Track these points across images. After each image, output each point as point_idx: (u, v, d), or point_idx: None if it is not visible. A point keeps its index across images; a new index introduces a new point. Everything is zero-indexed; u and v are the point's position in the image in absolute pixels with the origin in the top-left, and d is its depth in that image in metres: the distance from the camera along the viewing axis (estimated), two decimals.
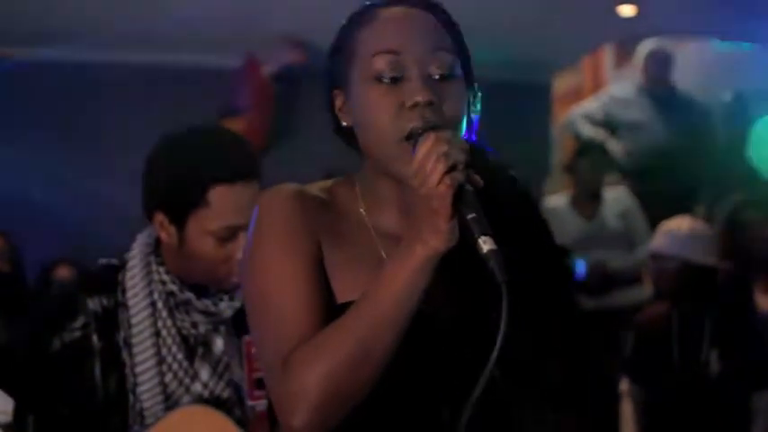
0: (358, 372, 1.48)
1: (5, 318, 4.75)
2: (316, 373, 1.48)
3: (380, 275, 1.49)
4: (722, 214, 5.21)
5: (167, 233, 2.42)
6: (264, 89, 7.07)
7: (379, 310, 1.48)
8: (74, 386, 2.41)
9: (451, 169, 1.44)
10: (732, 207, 5.16)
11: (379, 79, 1.57)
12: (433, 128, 1.50)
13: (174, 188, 2.38)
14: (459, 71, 1.60)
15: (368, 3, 1.66)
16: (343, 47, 1.65)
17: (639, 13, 6.32)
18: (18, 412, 2.40)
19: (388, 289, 1.47)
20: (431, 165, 1.44)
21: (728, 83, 6.89)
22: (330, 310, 1.57)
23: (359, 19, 1.65)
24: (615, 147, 6.33)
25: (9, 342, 2.48)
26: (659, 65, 6.50)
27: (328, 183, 1.73)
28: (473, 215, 1.44)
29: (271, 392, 1.57)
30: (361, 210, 1.68)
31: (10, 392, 2.38)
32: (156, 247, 2.48)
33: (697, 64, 7.03)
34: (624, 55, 7.35)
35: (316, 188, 1.70)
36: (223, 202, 2.35)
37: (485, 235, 1.43)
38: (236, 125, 6.09)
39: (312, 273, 1.58)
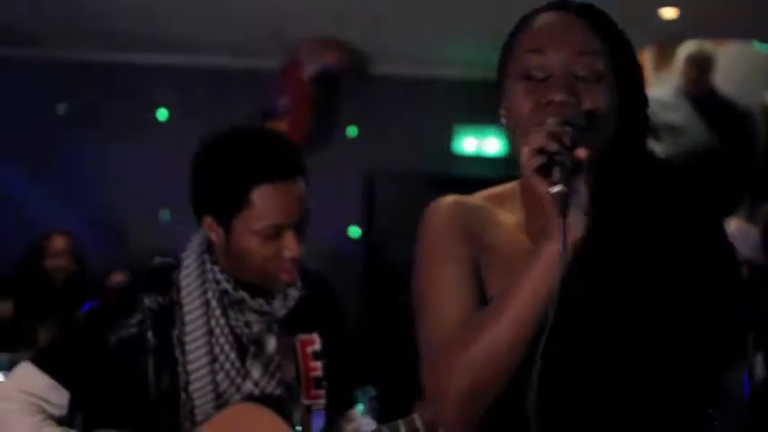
0: (498, 364, 1.56)
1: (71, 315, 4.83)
2: (461, 367, 1.57)
3: (517, 273, 1.56)
4: (763, 217, 5.18)
5: (216, 234, 2.45)
6: (303, 91, 7.09)
7: (514, 304, 1.55)
8: (127, 382, 2.44)
9: (550, 161, 1.49)
10: None
11: (527, 77, 1.64)
12: (564, 123, 1.55)
13: (218, 192, 2.41)
14: (606, 73, 1.63)
15: (533, 10, 1.73)
16: (505, 49, 1.73)
17: (680, 16, 6.28)
18: (74, 406, 2.43)
19: (520, 285, 1.54)
20: (525, 159, 1.51)
21: None
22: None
23: (521, 23, 1.72)
24: (655, 149, 6.30)
25: (66, 337, 2.50)
26: (700, 67, 6.47)
27: (498, 188, 1.82)
28: (561, 189, 1.48)
29: (425, 386, 1.66)
30: (516, 215, 1.75)
31: (67, 387, 2.41)
32: (210, 246, 2.51)
33: (738, 66, 6.98)
34: (665, 57, 7.32)
35: (481, 196, 1.79)
36: (266, 201, 2.37)
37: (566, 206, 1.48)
38: (275, 127, 6.11)
39: (466, 276, 1.68)
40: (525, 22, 1.70)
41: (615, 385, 1.61)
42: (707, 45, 6.55)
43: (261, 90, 6.98)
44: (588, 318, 1.62)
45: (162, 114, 7.22)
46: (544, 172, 1.49)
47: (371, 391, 5.45)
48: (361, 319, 6.77)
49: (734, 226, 4.45)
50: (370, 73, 7.25)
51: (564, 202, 1.47)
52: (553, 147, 1.50)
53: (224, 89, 7.02)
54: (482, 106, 7.22)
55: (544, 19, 1.68)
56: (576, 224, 1.50)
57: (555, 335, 1.56)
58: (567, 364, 1.63)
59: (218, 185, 2.41)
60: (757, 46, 7.06)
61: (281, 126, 6.42)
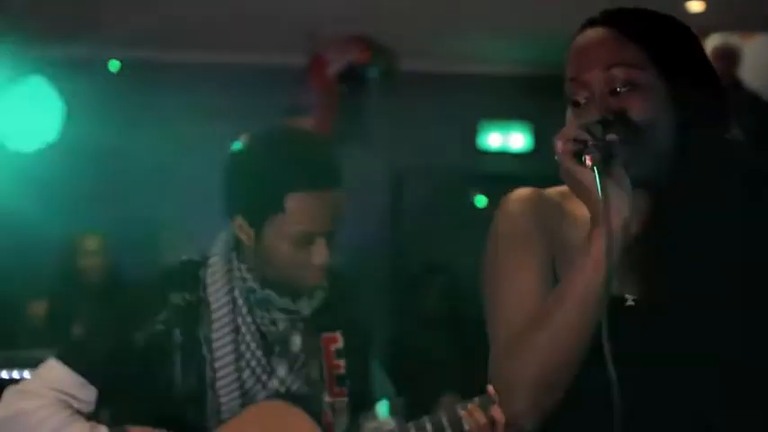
0: (565, 350, 1.58)
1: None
2: (529, 356, 1.59)
3: (575, 263, 1.59)
4: None
5: (246, 235, 2.45)
6: (329, 88, 7.10)
7: (572, 292, 1.57)
8: (154, 379, 2.45)
9: (579, 151, 1.53)
10: None
11: (574, 104, 1.67)
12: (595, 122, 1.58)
13: (252, 195, 2.40)
14: (643, 78, 1.63)
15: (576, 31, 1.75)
16: (562, 76, 1.74)
17: (707, 9, 6.25)
18: (101, 403, 2.44)
19: (581, 268, 1.57)
20: (560, 146, 1.55)
21: None
22: None
23: (569, 49, 1.73)
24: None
25: (94, 334, 2.51)
26: (726, 60, 6.43)
27: None
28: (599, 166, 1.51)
29: (494, 380, 1.68)
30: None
31: (95, 383, 2.42)
32: (237, 244, 2.51)
33: (764, 59, 6.93)
34: None
35: (557, 190, 1.79)
36: (300, 209, 2.36)
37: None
38: (301, 125, 6.12)
39: (539, 270, 1.70)
40: (570, 47, 1.72)
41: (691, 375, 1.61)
42: (733, 38, 6.52)
43: (288, 87, 6.99)
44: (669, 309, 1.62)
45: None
46: (579, 157, 1.53)
47: (393, 392, 5.45)
48: (388, 317, 6.77)
49: None
50: (396, 69, 7.24)
51: (603, 161, 1.51)
52: (585, 136, 1.53)
53: (251, 86, 7.02)
54: (507, 102, 7.26)
55: (577, 42, 1.69)
56: (622, 205, 1.53)
57: (631, 326, 1.59)
58: (642, 351, 1.63)
59: (254, 188, 2.40)
60: None
61: (308, 123, 6.42)
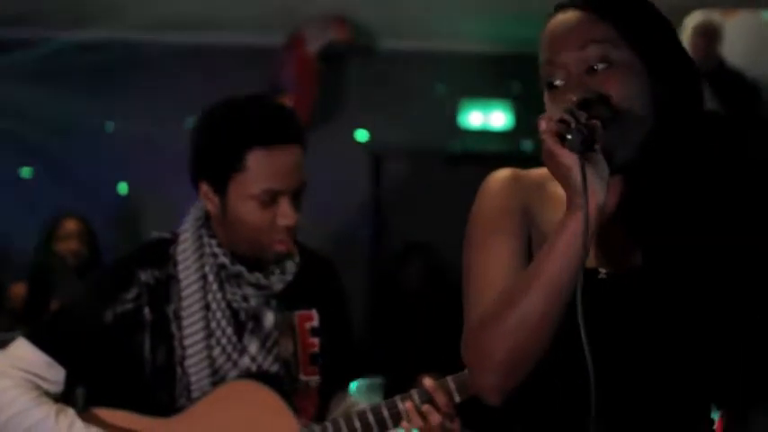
0: (532, 332, 1.58)
1: None
2: (497, 336, 1.59)
3: (548, 244, 1.59)
4: None
5: (212, 203, 2.44)
6: (309, 67, 7.07)
7: (545, 272, 1.57)
8: (124, 358, 2.44)
9: (563, 132, 1.52)
10: None
11: (550, 86, 1.67)
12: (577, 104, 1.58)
13: (214, 154, 2.41)
14: (619, 55, 1.63)
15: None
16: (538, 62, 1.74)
17: None
18: (69, 383, 2.42)
19: (549, 253, 1.57)
20: (544, 126, 1.55)
21: None
22: None
23: (542, 35, 1.73)
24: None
25: (62, 313, 2.49)
26: (707, 38, 6.43)
27: None
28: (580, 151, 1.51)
29: (464, 356, 1.68)
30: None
31: (62, 363, 2.40)
32: (207, 220, 2.50)
33: (746, 37, 6.94)
34: None
35: (539, 171, 1.78)
36: (261, 165, 2.37)
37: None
38: (281, 102, 6.10)
39: (516, 251, 1.70)
40: (543, 32, 1.71)
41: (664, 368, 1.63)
42: (714, 16, 6.51)
43: (267, 66, 6.96)
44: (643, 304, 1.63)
45: None
46: (562, 138, 1.52)
47: (380, 379, 5.47)
48: (368, 298, 6.76)
49: None
50: (375, 48, 7.22)
51: (583, 143, 1.51)
52: (568, 118, 1.53)
53: (230, 66, 6.99)
54: (487, 80, 7.24)
55: (550, 26, 1.69)
56: (597, 190, 1.53)
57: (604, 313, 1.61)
58: (613, 341, 1.64)
59: (214, 148, 2.41)
60: (766, 15, 7.02)
61: (287, 102, 6.40)
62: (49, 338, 2.42)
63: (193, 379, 2.43)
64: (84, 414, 2.42)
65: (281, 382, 2.47)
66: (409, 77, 7.14)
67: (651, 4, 1.71)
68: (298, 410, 2.46)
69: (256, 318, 2.49)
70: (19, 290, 5.93)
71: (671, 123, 1.64)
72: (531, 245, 1.72)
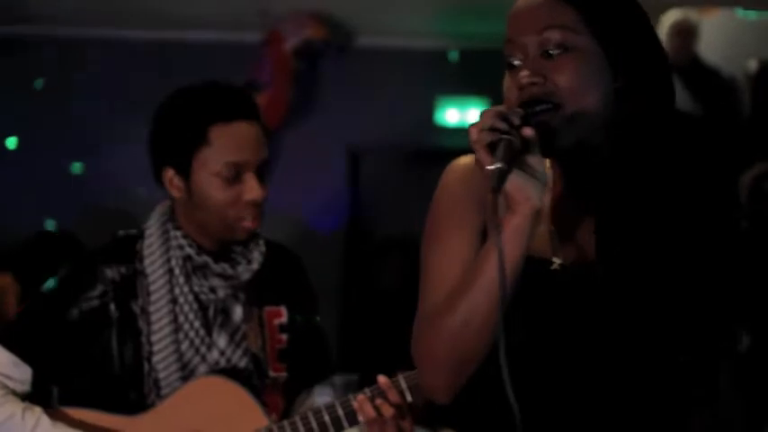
0: (475, 332, 1.57)
1: None
2: (441, 334, 1.59)
3: (483, 250, 1.59)
4: (745, 185, 5.17)
5: (177, 188, 2.44)
6: (285, 64, 7.05)
7: (485, 273, 1.55)
8: (91, 355, 2.42)
9: (498, 139, 1.50)
10: (755, 177, 5.13)
11: (510, 66, 1.65)
12: (526, 104, 1.58)
13: (176, 135, 2.42)
14: (578, 42, 1.62)
15: None
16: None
17: None
18: (37, 382, 2.41)
19: (488, 256, 1.55)
20: (474, 136, 1.53)
21: (754, 53, 6.82)
22: None
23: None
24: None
25: (27, 312, 2.48)
26: (683, 35, 6.44)
27: None
28: (499, 167, 1.49)
29: (412, 351, 1.67)
30: None
31: (29, 362, 2.39)
32: (172, 213, 2.50)
33: (722, 34, 6.96)
34: None
35: None
36: (223, 139, 2.40)
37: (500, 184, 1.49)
38: (257, 101, 6.08)
39: (471, 245, 1.67)
40: (510, 10, 1.70)
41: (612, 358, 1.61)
42: (691, 13, 6.52)
43: (244, 64, 6.94)
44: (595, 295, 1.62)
45: None
46: (492, 149, 1.50)
47: (355, 377, 5.44)
48: (344, 295, 6.75)
49: None
50: (351, 45, 7.21)
51: (499, 178, 1.49)
52: (501, 125, 1.52)
53: (207, 63, 6.96)
54: (464, 77, 7.24)
55: (516, 5, 1.68)
56: (531, 195, 1.53)
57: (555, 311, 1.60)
58: (562, 339, 1.63)
59: (176, 129, 2.43)
60: (741, 13, 7.04)
61: (259, 100, 6.38)
62: (13, 338, 2.41)
63: (162, 375, 2.42)
64: (53, 413, 2.40)
65: (251, 378, 2.46)
66: (385, 75, 7.13)
67: None
68: (267, 406, 2.45)
69: (225, 311, 2.48)
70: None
71: (628, 114, 1.63)
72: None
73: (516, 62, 1.64)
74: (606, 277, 1.61)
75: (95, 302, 2.42)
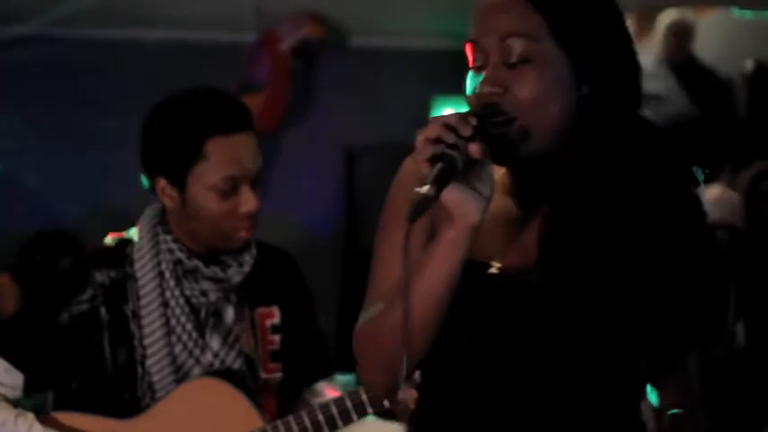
0: (410, 337, 1.53)
1: None
2: (376, 334, 1.59)
3: (426, 248, 1.57)
4: (742, 185, 5.18)
5: (170, 198, 2.42)
6: (282, 64, 7.05)
7: (423, 278, 1.54)
8: (83, 359, 2.42)
9: (437, 156, 1.46)
10: (752, 177, 5.13)
11: (473, 68, 1.61)
12: (482, 112, 1.54)
13: (172, 147, 2.40)
14: (540, 52, 1.57)
15: None
16: None
17: None
18: (29, 387, 2.41)
19: (423, 267, 1.54)
20: (418, 147, 1.48)
21: (750, 53, 6.82)
22: None
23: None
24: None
25: (17, 318, 2.48)
26: (680, 36, 6.45)
27: None
28: (425, 192, 1.45)
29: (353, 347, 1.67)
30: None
31: (20, 368, 2.39)
32: (163, 216, 2.49)
33: (718, 34, 6.96)
34: (645, 26, 7.29)
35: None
36: (221, 153, 2.37)
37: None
38: (254, 101, 6.08)
39: (419, 245, 1.62)
40: (474, 7, 1.65)
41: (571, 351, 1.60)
42: (687, 13, 6.53)
43: (240, 64, 6.93)
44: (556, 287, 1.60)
45: None
46: (435, 161, 1.46)
47: (353, 377, 5.44)
48: (342, 295, 6.75)
49: (714, 193, 4.53)
50: (348, 46, 7.20)
51: (416, 209, 1.43)
52: (449, 138, 1.47)
53: (203, 64, 6.96)
54: (461, 77, 7.26)
55: (478, 4, 1.62)
56: (470, 211, 1.49)
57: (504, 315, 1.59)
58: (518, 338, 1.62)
59: (172, 141, 2.40)
60: (737, 13, 7.04)
61: (256, 101, 6.37)
62: (4, 343, 2.41)
63: (156, 378, 2.42)
64: (46, 418, 2.41)
65: (245, 380, 2.46)
66: (382, 74, 7.13)
67: None
68: (261, 408, 2.45)
69: (217, 313, 2.48)
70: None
71: (588, 123, 1.59)
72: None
73: (477, 64, 1.59)
74: (543, 282, 1.59)
75: (85, 306, 2.42)
